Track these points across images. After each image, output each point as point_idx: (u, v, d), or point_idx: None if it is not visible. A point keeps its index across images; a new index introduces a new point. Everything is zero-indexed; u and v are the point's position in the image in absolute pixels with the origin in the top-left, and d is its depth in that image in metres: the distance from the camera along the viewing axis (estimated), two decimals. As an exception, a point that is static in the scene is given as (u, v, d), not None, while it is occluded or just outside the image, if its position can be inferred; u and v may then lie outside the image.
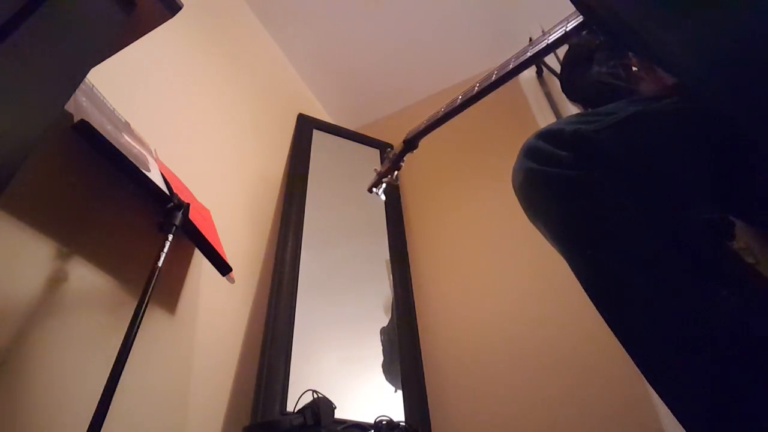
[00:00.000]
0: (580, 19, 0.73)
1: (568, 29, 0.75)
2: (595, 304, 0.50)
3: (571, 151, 0.52)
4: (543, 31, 0.80)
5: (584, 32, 0.79)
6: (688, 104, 0.52)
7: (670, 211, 0.50)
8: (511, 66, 0.85)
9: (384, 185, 1.25)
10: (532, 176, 0.55)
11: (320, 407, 1.08)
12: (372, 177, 1.28)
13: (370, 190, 1.29)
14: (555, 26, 0.78)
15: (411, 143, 1.14)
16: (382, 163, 1.26)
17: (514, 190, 0.59)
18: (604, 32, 0.58)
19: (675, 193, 0.51)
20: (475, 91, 0.92)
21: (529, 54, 0.82)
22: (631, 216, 0.49)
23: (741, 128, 0.44)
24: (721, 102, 0.44)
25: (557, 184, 0.52)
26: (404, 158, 1.19)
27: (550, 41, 0.78)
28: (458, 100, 0.96)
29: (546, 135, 0.56)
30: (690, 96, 0.52)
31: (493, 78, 0.88)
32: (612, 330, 0.49)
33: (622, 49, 0.63)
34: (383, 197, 1.27)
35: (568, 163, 0.52)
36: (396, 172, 1.22)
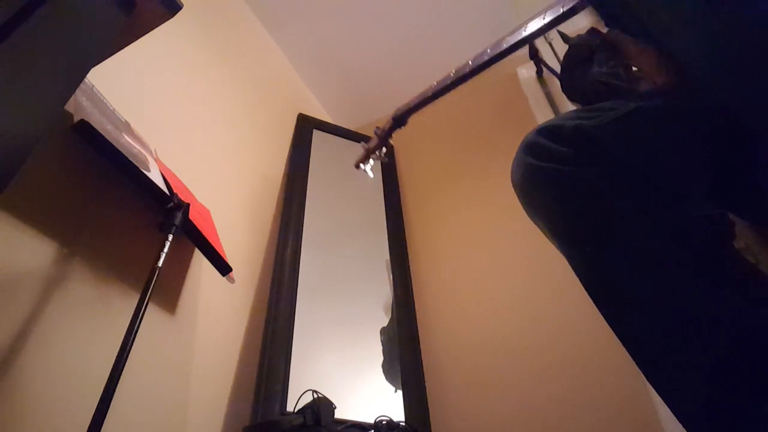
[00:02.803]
0: (574, 1, 0.73)
1: (564, 9, 0.75)
2: (594, 302, 0.50)
3: (571, 147, 0.51)
4: (543, 32, 0.80)
5: (585, 33, 0.78)
6: (689, 100, 0.52)
7: (670, 208, 0.49)
8: (504, 46, 0.84)
9: (371, 162, 1.24)
10: (532, 172, 0.54)
11: (320, 407, 1.08)
12: (360, 152, 1.27)
13: (357, 166, 1.27)
14: (549, 6, 0.77)
15: (400, 120, 1.13)
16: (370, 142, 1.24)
17: (513, 187, 0.58)
18: (608, 19, 0.57)
19: (675, 189, 0.50)
20: (468, 69, 0.90)
21: (524, 34, 0.81)
22: (631, 212, 0.49)
23: (743, 120, 0.44)
24: (726, 92, 0.43)
25: (556, 180, 0.52)
26: (392, 135, 1.18)
27: (545, 21, 0.77)
28: (450, 77, 0.95)
29: (546, 131, 0.55)
30: (691, 92, 0.52)
31: (485, 57, 0.87)
32: (611, 328, 0.48)
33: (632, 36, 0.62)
34: (371, 174, 1.26)
35: (567, 159, 0.51)
36: (384, 149, 1.21)
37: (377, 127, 1.20)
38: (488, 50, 0.87)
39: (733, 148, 0.49)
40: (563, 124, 0.53)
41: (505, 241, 1.75)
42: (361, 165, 1.25)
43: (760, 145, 0.45)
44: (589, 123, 0.52)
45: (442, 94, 0.98)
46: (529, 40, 0.81)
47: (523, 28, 0.81)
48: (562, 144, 0.52)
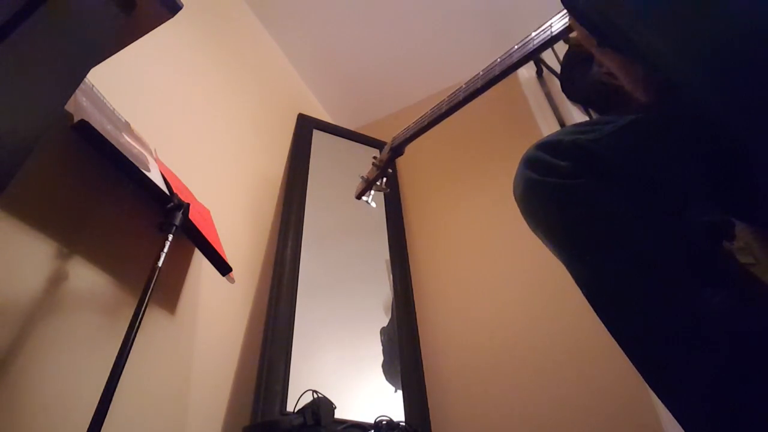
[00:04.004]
0: (565, 21, 0.73)
1: (553, 32, 0.75)
2: (594, 309, 0.50)
3: (570, 161, 0.53)
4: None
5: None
6: (684, 111, 0.52)
7: (668, 217, 0.50)
8: (497, 71, 0.84)
9: (373, 193, 1.23)
10: (532, 186, 0.56)
11: (320, 407, 1.08)
12: (359, 184, 1.25)
13: (358, 198, 1.26)
14: (539, 27, 0.78)
15: (398, 149, 1.13)
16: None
17: (515, 200, 0.60)
18: (598, 37, 0.58)
19: (673, 198, 0.51)
20: (461, 97, 0.91)
21: (515, 59, 0.81)
22: (629, 222, 0.50)
23: (733, 129, 0.44)
24: (707, 101, 0.44)
25: (556, 194, 0.53)
26: (391, 164, 1.17)
27: (536, 45, 0.77)
28: (444, 106, 0.96)
29: (545, 146, 0.57)
30: (682, 102, 0.52)
31: (479, 84, 0.88)
32: (611, 334, 0.49)
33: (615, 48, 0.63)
34: (373, 204, 1.24)
35: (566, 173, 0.53)
36: (384, 179, 1.20)
37: (375, 158, 1.19)
38: (480, 74, 0.87)
39: (731, 152, 0.49)
40: (562, 139, 0.55)
41: (506, 241, 1.75)
42: (363, 197, 1.24)
43: (752, 150, 0.45)
44: (586, 137, 0.53)
45: (439, 121, 0.99)
46: (522, 63, 0.80)
47: (514, 54, 0.81)
48: (562, 158, 0.54)
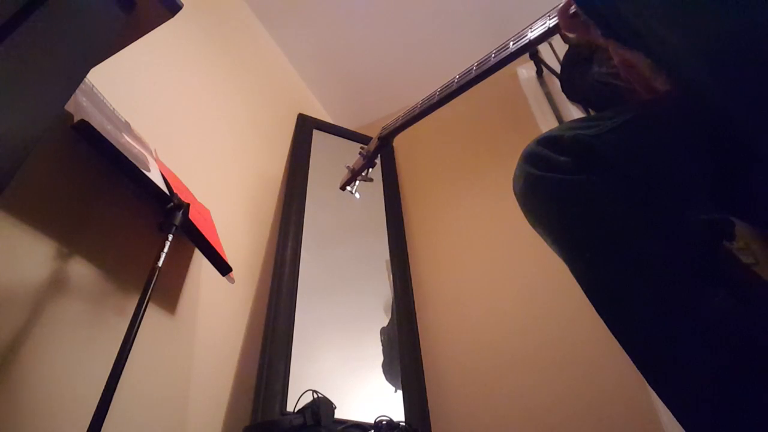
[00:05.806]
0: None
1: (550, 24, 0.75)
2: (595, 307, 0.50)
3: (571, 156, 0.52)
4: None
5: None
6: (687, 107, 0.52)
7: (668, 214, 0.50)
8: (492, 61, 0.84)
9: (358, 183, 1.22)
10: (532, 181, 0.55)
11: (320, 407, 1.08)
12: (345, 174, 1.22)
13: (343, 188, 1.24)
14: (537, 20, 0.77)
15: (386, 140, 1.11)
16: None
17: (515, 196, 0.59)
18: (603, 28, 0.58)
19: (673, 195, 0.51)
20: (454, 87, 0.90)
21: (511, 49, 0.81)
22: (630, 219, 0.49)
23: (739, 127, 0.44)
24: (719, 100, 0.44)
25: (556, 189, 0.53)
26: (378, 155, 1.15)
27: (532, 37, 0.77)
28: (436, 96, 0.94)
29: (545, 141, 0.56)
30: (688, 98, 0.52)
31: (473, 74, 0.87)
32: (611, 332, 0.49)
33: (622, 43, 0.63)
34: (358, 195, 1.22)
35: (567, 168, 0.52)
36: (370, 169, 1.18)
37: (362, 148, 1.17)
38: (474, 66, 0.86)
39: (732, 151, 0.49)
40: (562, 135, 0.54)
41: (506, 241, 1.75)
42: (348, 187, 1.22)
43: (755, 151, 0.45)
44: (587, 133, 0.53)
45: (430, 112, 0.95)
46: (518, 55, 0.80)
47: (509, 45, 0.81)
48: (562, 154, 0.53)
